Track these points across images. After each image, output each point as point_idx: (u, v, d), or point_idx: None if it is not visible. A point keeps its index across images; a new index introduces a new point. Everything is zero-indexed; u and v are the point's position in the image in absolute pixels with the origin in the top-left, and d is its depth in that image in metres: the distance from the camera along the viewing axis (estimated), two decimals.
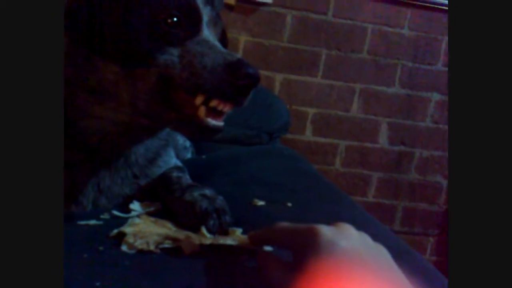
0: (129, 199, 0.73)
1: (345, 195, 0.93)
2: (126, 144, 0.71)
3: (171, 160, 0.85)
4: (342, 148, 2.09)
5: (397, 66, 2.03)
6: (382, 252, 0.45)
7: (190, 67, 0.59)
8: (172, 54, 0.60)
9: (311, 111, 2.02)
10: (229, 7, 1.80)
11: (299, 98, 1.99)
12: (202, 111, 0.59)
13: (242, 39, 1.86)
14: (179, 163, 0.87)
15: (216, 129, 0.61)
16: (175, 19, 0.61)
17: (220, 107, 0.60)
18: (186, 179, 0.78)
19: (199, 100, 0.59)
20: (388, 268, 0.43)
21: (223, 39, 0.69)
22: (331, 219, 0.50)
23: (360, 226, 0.50)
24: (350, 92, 2.03)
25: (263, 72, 1.92)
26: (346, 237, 0.44)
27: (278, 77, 1.95)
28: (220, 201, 0.66)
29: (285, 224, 0.51)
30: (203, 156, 1.17)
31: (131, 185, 0.76)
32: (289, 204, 0.76)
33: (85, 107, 0.63)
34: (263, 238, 0.54)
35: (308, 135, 2.05)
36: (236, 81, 0.58)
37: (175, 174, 0.77)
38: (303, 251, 0.44)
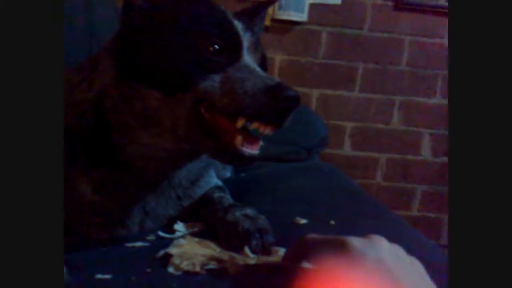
0: (173, 220, 0.75)
1: (388, 211, 0.90)
2: (169, 168, 0.73)
3: (212, 180, 0.86)
4: (383, 162, 2.04)
5: (438, 76, 1.97)
6: (414, 265, 0.45)
7: (231, 93, 0.60)
8: (214, 80, 0.61)
9: (349, 125, 2.00)
10: (265, 28, 1.83)
11: (337, 113, 1.98)
12: (238, 140, 0.60)
13: (278, 58, 1.88)
14: (220, 183, 0.89)
15: (251, 158, 0.61)
16: (216, 46, 0.62)
17: (261, 130, 0.60)
18: (228, 199, 0.79)
19: (240, 123, 0.60)
20: (418, 281, 0.43)
21: (263, 63, 0.70)
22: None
23: (405, 242, 0.49)
24: (390, 104, 1.99)
25: (299, 89, 1.93)
26: (377, 249, 0.44)
27: (315, 93, 1.95)
28: (262, 220, 0.67)
29: (314, 235, 0.50)
30: (243, 175, 1.18)
31: (175, 207, 0.77)
32: (332, 222, 0.75)
33: (131, 133, 0.66)
34: (295, 254, 0.53)
35: (347, 150, 2.02)
36: (276, 104, 0.58)
37: (216, 194, 0.79)
38: (333, 262, 0.44)
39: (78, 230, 0.69)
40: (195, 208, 0.79)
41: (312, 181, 1.03)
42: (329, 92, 1.96)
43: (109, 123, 0.66)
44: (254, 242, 0.62)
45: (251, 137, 0.62)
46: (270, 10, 1.81)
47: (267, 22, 1.82)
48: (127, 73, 0.64)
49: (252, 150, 0.62)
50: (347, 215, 0.79)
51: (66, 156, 0.67)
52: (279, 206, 0.85)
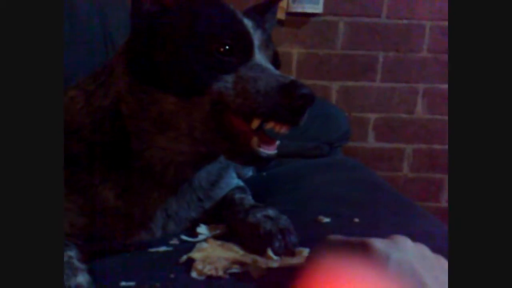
0: (196, 222, 0.75)
1: (414, 205, 0.88)
2: (189, 170, 0.73)
3: (233, 180, 0.86)
4: (409, 152, 1.99)
5: None
6: (440, 264, 0.44)
7: (244, 93, 0.59)
8: (226, 81, 0.61)
9: (372, 116, 1.96)
10: (280, 22, 1.81)
11: (359, 104, 1.94)
12: (255, 141, 0.59)
13: (295, 52, 1.86)
14: (241, 183, 0.88)
15: (268, 158, 0.60)
16: (227, 47, 0.62)
17: (277, 129, 0.59)
18: (249, 199, 0.78)
19: (255, 124, 0.59)
20: (445, 280, 0.42)
21: (275, 60, 0.69)
22: (402, 232, 0.48)
23: (432, 238, 0.48)
24: (413, 93, 1.94)
25: (318, 82, 1.90)
26: (400, 249, 0.43)
27: (335, 86, 1.92)
28: (284, 221, 0.66)
29: (336, 237, 0.49)
30: (264, 173, 1.17)
31: (197, 209, 0.77)
32: (356, 220, 0.73)
33: (148, 138, 0.66)
34: (318, 257, 0.52)
35: (371, 142, 1.98)
36: (291, 102, 0.57)
37: (237, 195, 0.78)
38: (356, 265, 0.44)
39: (102, 236, 0.70)
40: (217, 209, 0.79)
41: (334, 177, 1.01)
42: (349, 83, 1.92)
43: (127, 129, 0.67)
44: (276, 244, 0.61)
45: (267, 137, 0.62)
46: (284, 4, 1.78)
47: (282, 16, 1.80)
48: (141, 78, 0.64)
49: (269, 150, 0.61)
50: (372, 212, 0.77)
51: (87, 164, 0.68)
52: (301, 204, 0.84)
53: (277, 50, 0.70)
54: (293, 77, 0.61)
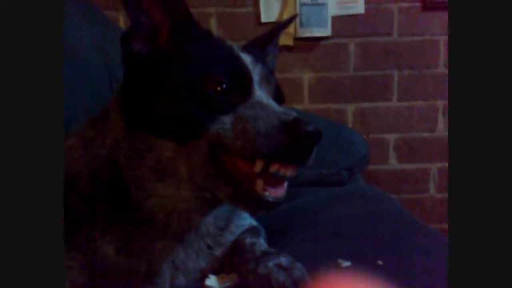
0: (206, 272, 0.70)
1: (440, 239, 0.80)
2: (195, 217, 0.68)
3: (245, 222, 0.81)
4: (434, 172, 1.90)
5: None
6: None
7: (243, 134, 0.55)
8: (224, 122, 0.57)
9: (392, 137, 1.88)
10: (289, 48, 1.78)
11: (376, 126, 1.87)
12: (259, 184, 0.54)
13: (306, 77, 1.82)
14: (254, 223, 0.83)
15: (275, 203, 0.55)
16: (224, 86, 0.58)
17: (282, 172, 0.54)
18: (260, 244, 0.72)
19: (258, 167, 0.54)
20: None
21: (278, 95, 0.65)
22: (432, 279, 0.41)
23: None
24: (433, 110, 1.86)
25: (332, 106, 1.85)
26: None
27: (350, 108, 1.86)
28: (298, 270, 0.60)
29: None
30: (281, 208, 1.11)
31: (207, 257, 0.72)
32: (380, 262, 0.66)
33: (147, 187, 0.62)
34: None
35: (393, 163, 1.90)
36: (295, 142, 0.52)
37: (248, 240, 0.73)
38: None
39: None
40: (228, 256, 0.73)
41: (355, 211, 0.95)
42: (365, 105, 1.86)
43: (125, 178, 0.63)
44: None
45: (274, 178, 0.56)
46: (291, 29, 1.76)
47: (290, 42, 1.77)
48: (136, 125, 0.60)
49: (276, 193, 0.56)
50: (396, 252, 0.70)
51: (86, 216, 0.64)
52: (319, 244, 0.78)
53: (279, 84, 0.66)
54: (296, 113, 0.56)
